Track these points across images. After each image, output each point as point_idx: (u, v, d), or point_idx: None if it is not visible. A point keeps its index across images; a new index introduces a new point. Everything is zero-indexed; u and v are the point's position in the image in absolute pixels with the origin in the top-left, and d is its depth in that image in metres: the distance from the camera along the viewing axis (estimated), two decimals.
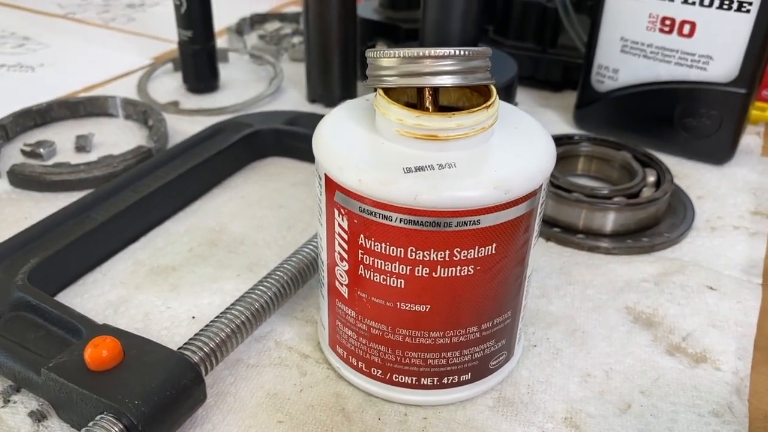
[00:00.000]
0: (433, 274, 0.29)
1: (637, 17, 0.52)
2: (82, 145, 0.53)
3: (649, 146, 0.55)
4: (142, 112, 0.57)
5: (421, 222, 0.27)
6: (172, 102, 0.61)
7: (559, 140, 0.52)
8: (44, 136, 0.56)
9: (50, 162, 0.52)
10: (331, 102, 0.62)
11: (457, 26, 0.55)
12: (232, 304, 0.35)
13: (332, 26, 0.59)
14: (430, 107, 0.31)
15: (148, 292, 0.40)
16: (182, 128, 0.57)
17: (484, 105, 0.29)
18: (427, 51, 0.28)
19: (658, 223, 0.46)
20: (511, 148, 0.29)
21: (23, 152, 0.52)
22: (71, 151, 0.54)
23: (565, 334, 0.37)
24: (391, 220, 0.28)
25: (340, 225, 0.30)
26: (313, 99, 0.63)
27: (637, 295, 0.40)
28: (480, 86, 0.31)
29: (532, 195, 0.29)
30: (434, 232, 0.28)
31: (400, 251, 0.28)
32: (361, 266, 0.30)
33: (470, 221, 0.28)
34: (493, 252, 0.29)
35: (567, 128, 0.60)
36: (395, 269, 0.29)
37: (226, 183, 0.51)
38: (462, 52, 0.28)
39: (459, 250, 0.28)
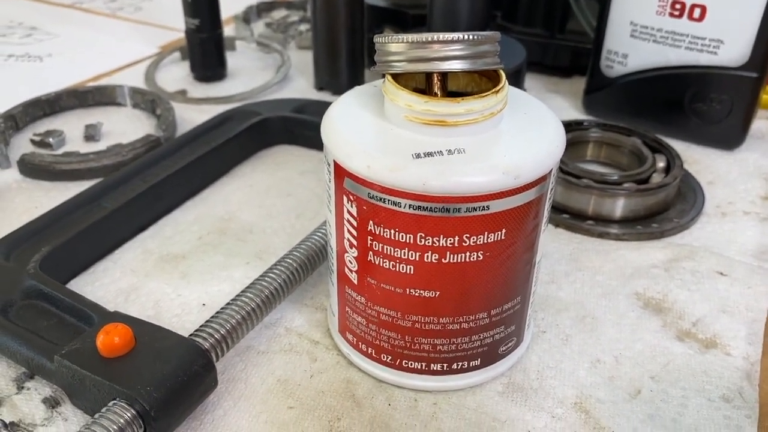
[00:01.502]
0: (443, 260, 0.29)
1: (647, 1, 0.51)
2: (91, 134, 0.53)
3: (659, 132, 0.54)
4: (150, 101, 0.57)
5: (430, 208, 0.27)
6: (180, 91, 0.61)
7: (569, 126, 0.51)
8: (53, 125, 0.56)
9: (60, 151, 0.52)
10: (339, 90, 0.62)
11: (465, 12, 0.54)
12: (242, 291, 0.35)
13: (339, 13, 0.59)
14: (438, 93, 0.30)
15: (158, 280, 0.40)
16: (190, 117, 0.57)
17: (493, 90, 0.29)
18: (435, 36, 0.28)
19: (668, 209, 0.46)
20: (520, 134, 0.29)
21: (33, 142, 0.53)
22: (80, 141, 0.54)
23: (574, 320, 0.37)
24: (400, 206, 0.28)
25: (349, 211, 0.30)
26: (320, 87, 0.63)
27: (646, 281, 0.40)
28: (489, 71, 0.31)
29: (541, 180, 0.29)
30: (443, 218, 0.28)
31: (409, 237, 0.28)
32: (371, 252, 0.30)
33: (479, 207, 0.27)
34: (503, 238, 0.29)
35: (576, 114, 0.59)
36: (404, 255, 0.29)
37: (234, 172, 0.51)
38: (471, 37, 0.28)
39: (468, 236, 0.28)
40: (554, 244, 0.43)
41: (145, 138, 0.51)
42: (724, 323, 0.37)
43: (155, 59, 0.66)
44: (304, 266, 0.37)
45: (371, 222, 0.29)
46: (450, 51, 0.28)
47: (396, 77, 0.30)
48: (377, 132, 0.29)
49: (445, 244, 0.28)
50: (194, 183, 0.48)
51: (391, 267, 0.30)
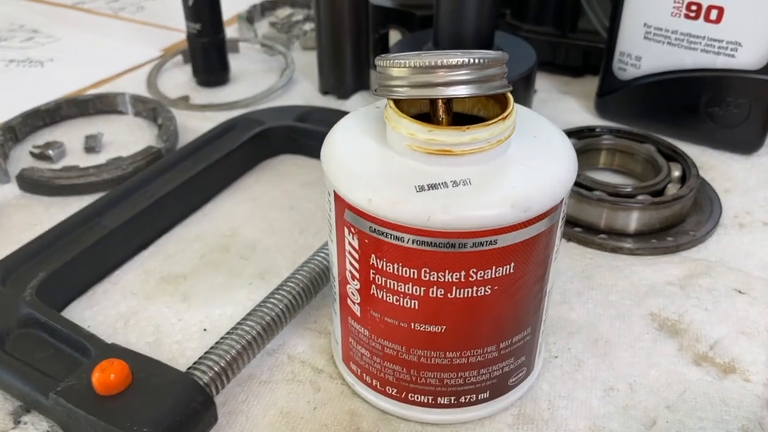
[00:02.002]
0: (448, 295, 0.28)
1: (661, 2, 0.49)
2: (91, 145, 0.52)
3: (674, 135, 0.53)
4: (151, 109, 0.56)
5: (435, 243, 0.26)
6: (183, 97, 0.60)
7: (580, 133, 0.50)
8: (53, 136, 0.55)
9: (60, 164, 0.51)
10: (344, 93, 0.60)
11: (473, 13, 0.52)
12: (243, 319, 0.34)
13: (344, 14, 0.58)
14: (443, 116, 0.29)
15: (159, 303, 0.39)
16: (193, 125, 0.56)
17: (501, 116, 0.27)
18: (440, 60, 0.26)
19: (683, 221, 0.44)
20: (529, 161, 0.28)
21: (32, 154, 0.52)
22: (81, 152, 0.53)
23: (587, 344, 0.36)
24: (403, 241, 0.27)
25: (350, 243, 0.28)
26: (325, 91, 0.61)
27: (662, 300, 0.39)
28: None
29: (552, 211, 0.27)
30: (449, 253, 0.26)
31: (413, 272, 0.27)
32: (373, 286, 0.29)
33: (487, 242, 0.26)
34: (512, 271, 0.28)
35: (588, 117, 0.58)
36: (408, 290, 0.28)
37: (236, 184, 0.49)
38: (477, 60, 0.26)
39: (475, 270, 0.27)
40: (566, 260, 0.42)
41: (145, 150, 0.50)
42: (743, 346, 0.36)
43: (157, 63, 0.65)
44: (306, 290, 0.36)
45: (373, 255, 0.28)
46: (455, 76, 0.26)
47: (398, 101, 0.29)
48: (379, 161, 0.28)
49: (451, 279, 0.27)
50: (196, 198, 0.47)
51: (394, 301, 0.28)
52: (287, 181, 0.50)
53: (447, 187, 0.26)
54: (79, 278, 0.40)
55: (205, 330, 0.37)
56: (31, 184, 0.48)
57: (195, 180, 0.46)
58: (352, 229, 0.28)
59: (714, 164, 0.51)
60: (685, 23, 0.49)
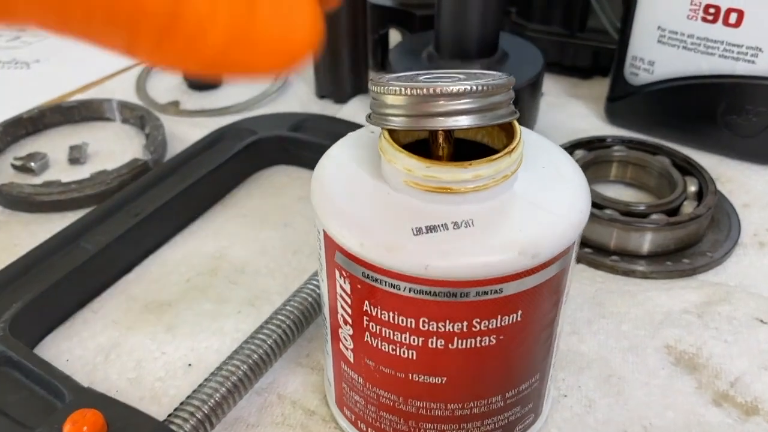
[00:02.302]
0: (449, 345, 0.25)
1: (677, 4, 0.46)
2: (75, 156, 0.50)
3: (688, 144, 0.50)
4: (139, 117, 0.53)
5: (434, 292, 0.24)
6: (172, 102, 0.57)
7: (590, 143, 0.47)
8: (37, 145, 0.52)
9: (42, 176, 0.49)
10: (341, 97, 0.57)
11: (476, 15, 0.50)
12: (229, 357, 0.32)
13: (340, 14, 0.55)
14: (443, 145, 0.27)
15: (141, 334, 0.36)
16: (182, 133, 0.53)
17: (507, 150, 0.24)
18: (439, 88, 0.24)
19: (699, 240, 0.42)
20: (537, 197, 0.25)
21: (14, 166, 0.49)
22: (65, 163, 0.50)
23: (598, 381, 0.34)
24: (400, 289, 0.24)
25: (342, 287, 0.26)
26: (321, 95, 0.59)
27: (678, 330, 0.36)
28: None
29: (563, 254, 0.25)
30: (450, 303, 0.24)
31: (411, 321, 0.25)
32: (367, 333, 0.26)
33: (491, 290, 0.24)
34: (519, 319, 0.25)
35: (597, 122, 0.55)
36: (405, 339, 0.25)
37: (227, 198, 0.47)
38: (481, 87, 0.24)
39: (479, 320, 0.24)
40: (576, 285, 0.39)
41: (131, 163, 0.47)
42: (766, 383, 0.33)
43: (147, 65, 0.62)
44: (298, 322, 0.34)
45: (367, 302, 0.25)
46: (457, 105, 0.24)
47: (394, 131, 0.26)
48: (372, 198, 0.25)
49: (452, 330, 0.25)
50: (184, 215, 0.44)
51: (390, 350, 0.26)
52: (281, 195, 0.47)
53: (447, 229, 0.24)
54: (57, 307, 0.37)
55: (189, 365, 0.35)
56: (10, 200, 0.45)
57: (182, 196, 0.44)
58: (344, 273, 0.25)
59: (731, 176, 0.48)
60: (702, 27, 0.46)
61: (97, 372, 0.34)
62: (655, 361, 0.35)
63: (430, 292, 0.24)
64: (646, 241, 0.40)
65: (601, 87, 0.58)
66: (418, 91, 0.24)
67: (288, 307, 0.34)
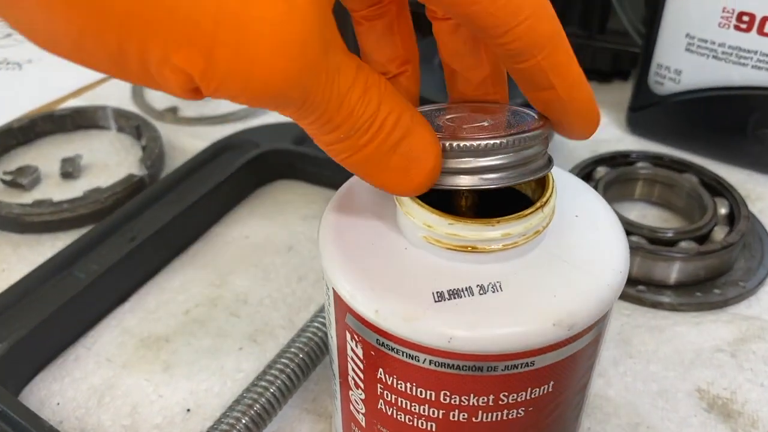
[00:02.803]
0: (473, 419, 0.23)
1: (708, 11, 0.43)
2: (68, 170, 0.47)
3: (716, 158, 0.48)
4: (135, 126, 0.50)
5: (458, 366, 0.21)
6: (170, 108, 0.55)
7: (613, 160, 0.44)
8: (28, 156, 0.50)
9: (34, 191, 0.47)
10: None
11: None
12: (230, 408, 0.30)
13: (346, 20, 0.52)
14: (467, 195, 0.24)
15: (137, 373, 0.34)
16: (180, 143, 0.51)
17: (538, 205, 0.22)
18: (465, 142, 0.21)
19: (731, 268, 0.39)
20: (572, 254, 0.23)
21: (3, 182, 0.47)
22: (57, 177, 0.48)
23: (626, 430, 0.31)
24: (419, 361, 0.22)
25: (353, 350, 0.24)
26: None
27: (710, 371, 0.34)
28: None
29: (601, 320, 0.22)
30: (475, 377, 0.21)
31: (431, 394, 0.22)
32: (381, 401, 0.24)
33: (521, 364, 0.21)
34: (550, 390, 0.23)
35: (618, 132, 0.52)
36: (424, 411, 0.23)
37: (228, 216, 0.44)
38: (515, 142, 0.21)
39: (506, 393, 0.22)
40: None
41: (126, 180, 0.44)
42: None
43: None
44: (303, 366, 0.32)
45: (381, 370, 0.23)
46: (486, 162, 0.21)
47: None
48: (388, 254, 0.23)
49: (476, 404, 0.22)
50: (182, 238, 0.42)
51: (406, 420, 0.24)
52: (285, 214, 0.45)
53: (472, 294, 0.21)
54: (48, 344, 0.35)
55: (188, 410, 0.32)
56: None
57: (181, 218, 0.41)
58: (356, 337, 0.23)
59: (762, 193, 0.46)
60: (734, 35, 0.43)
61: (89, 417, 0.32)
62: (687, 407, 0.32)
63: (453, 365, 0.21)
64: (675, 271, 0.38)
65: (621, 92, 0.56)
66: (442, 144, 0.21)
67: (293, 349, 0.32)
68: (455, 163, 0.21)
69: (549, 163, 0.23)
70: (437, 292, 0.21)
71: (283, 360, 0.32)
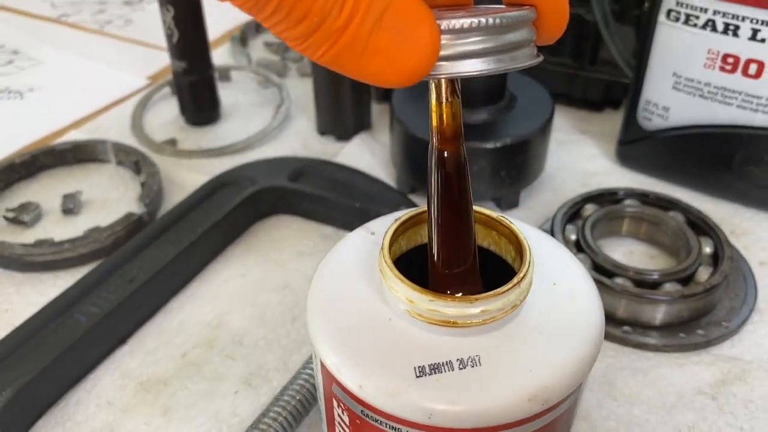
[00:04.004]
0: None
1: (694, 52, 0.44)
2: (69, 206, 0.48)
3: (702, 191, 0.49)
4: (134, 162, 0.51)
5: None
6: (169, 140, 0.56)
7: (601, 197, 0.45)
8: (30, 191, 0.51)
9: (35, 227, 0.48)
10: (344, 134, 0.56)
11: None
12: None
13: None
14: (446, 112, 0.23)
15: (137, 417, 0.35)
16: (179, 177, 0.52)
17: (515, 281, 0.23)
18: (475, 19, 0.19)
19: (714, 308, 0.40)
20: (548, 325, 0.24)
21: (5, 219, 0.48)
22: (58, 213, 0.49)
23: None
24: None
25: (340, 417, 0.25)
26: (323, 131, 0.57)
27: (692, 415, 0.35)
28: (508, 230, 0.25)
29: (575, 391, 0.23)
30: None
31: None
32: None
33: None
34: None
35: (608, 164, 0.53)
36: None
37: (225, 254, 0.45)
38: (496, 21, 0.19)
39: None
40: None
41: (125, 218, 0.46)
42: None
43: (143, 98, 0.61)
44: (296, 413, 0.33)
45: None
46: (464, 45, 0.19)
47: (393, 241, 0.25)
48: (373, 326, 0.24)
49: None
50: (180, 277, 0.43)
51: None
52: (280, 250, 0.46)
53: (452, 369, 0.22)
54: (50, 389, 0.36)
55: None
56: (1, 260, 0.44)
57: (179, 258, 0.42)
58: (342, 405, 0.24)
59: (747, 228, 0.47)
60: (720, 76, 0.44)
61: None
62: None
63: None
64: (660, 313, 0.39)
65: (612, 122, 0.57)
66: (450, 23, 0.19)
67: (286, 396, 0.33)
68: (458, 46, 0.19)
69: (537, 55, 0.21)
70: (419, 367, 0.22)
71: (276, 408, 0.33)
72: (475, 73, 0.19)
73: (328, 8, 0.16)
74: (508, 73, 0.48)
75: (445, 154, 0.23)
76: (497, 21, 0.19)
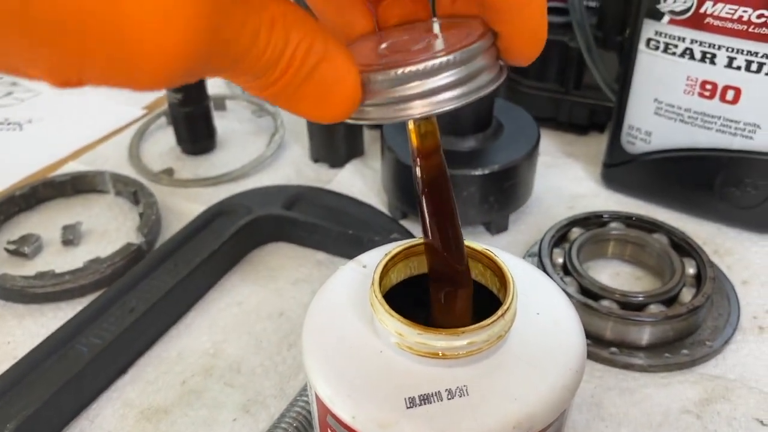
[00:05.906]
0: None
1: (673, 80, 0.46)
2: (69, 238, 0.50)
3: (686, 212, 0.50)
4: (132, 192, 0.53)
5: None
6: (166, 170, 0.57)
7: (587, 220, 0.47)
8: (30, 223, 0.52)
9: (36, 259, 0.49)
10: (336, 162, 0.57)
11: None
12: None
13: None
14: (424, 132, 0.24)
15: None
16: (177, 206, 0.53)
17: (499, 314, 0.24)
18: (413, 67, 0.20)
19: (698, 328, 0.41)
20: (532, 355, 0.25)
21: (7, 251, 0.49)
22: (58, 244, 0.50)
23: None
24: None
25: None
26: (316, 159, 0.58)
27: None
28: (493, 263, 0.27)
29: (559, 417, 0.24)
30: None
31: None
32: None
33: None
34: None
35: (594, 186, 0.54)
36: None
37: (221, 282, 0.47)
38: (461, 57, 0.20)
39: None
40: None
41: (124, 249, 0.47)
42: None
43: (140, 129, 0.62)
44: None
45: None
46: (435, 82, 0.20)
47: (385, 273, 0.26)
48: (365, 358, 0.25)
49: None
50: (179, 307, 0.44)
51: None
52: (276, 279, 0.47)
53: (441, 399, 0.24)
54: (53, 420, 0.37)
55: None
56: (3, 292, 0.45)
57: (177, 288, 0.43)
58: None
59: (730, 247, 0.48)
60: (699, 102, 0.46)
61: None
62: None
63: None
64: (646, 334, 0.40)
65: (597, 144, 0.58)
66: (384, 74, 0.20)
67: (282, 425, 0.34)
68: (404, 89, 0.20)
69: (501, 71, 0.22)
70: (409, 398, 0.24)
71: None
72: (449, 108, 0.20)
73: (266, 68, 0.19)
74: (493, 102, 0.50)
75: (427, 168, 0.25)
76: (461, 55, 0.20)
